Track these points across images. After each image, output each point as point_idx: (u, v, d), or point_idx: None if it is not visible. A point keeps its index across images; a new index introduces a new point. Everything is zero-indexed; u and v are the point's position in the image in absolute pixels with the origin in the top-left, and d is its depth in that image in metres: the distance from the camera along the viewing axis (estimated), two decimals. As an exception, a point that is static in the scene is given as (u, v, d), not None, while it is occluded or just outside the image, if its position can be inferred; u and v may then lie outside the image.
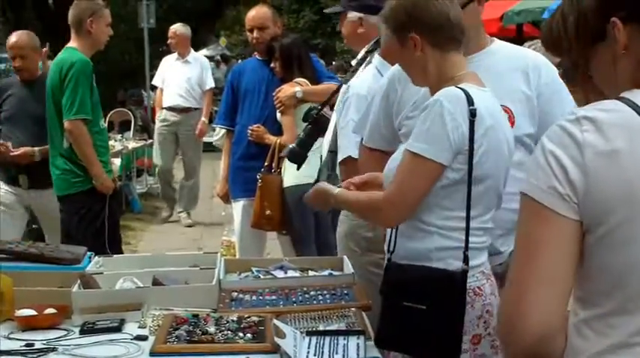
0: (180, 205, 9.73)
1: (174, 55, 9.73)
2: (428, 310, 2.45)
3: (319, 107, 4.23)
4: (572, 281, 1.54)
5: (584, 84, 1.68)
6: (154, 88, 10.69)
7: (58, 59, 5.16)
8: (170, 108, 9.59)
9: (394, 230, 2.62)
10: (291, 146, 4.19)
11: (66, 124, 4.95)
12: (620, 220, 1.50)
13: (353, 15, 4.09)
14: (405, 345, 2.54)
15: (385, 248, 2.68)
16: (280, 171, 5.10)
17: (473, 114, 2.46)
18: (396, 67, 2.95)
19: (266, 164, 5.14)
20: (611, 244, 1.51)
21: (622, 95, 1.56)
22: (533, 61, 2.95)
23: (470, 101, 2.47)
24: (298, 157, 4.15)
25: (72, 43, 5.18)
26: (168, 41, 9.82)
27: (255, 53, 5.54)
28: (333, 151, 3.98)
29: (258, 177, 5.12)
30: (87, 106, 4.96)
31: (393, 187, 2.57)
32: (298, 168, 4.24)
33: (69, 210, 5.08)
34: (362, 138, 3.25)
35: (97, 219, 5.02)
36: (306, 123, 4.22)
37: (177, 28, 9.77)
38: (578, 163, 1.50)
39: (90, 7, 5.13)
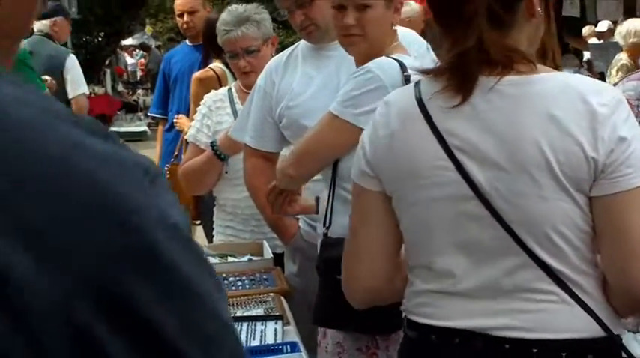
0: None
1: None
2: None
3: None
4: (394, 242, 1.83)
5: None
6: None
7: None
8: None
9: (330, 206, 2.58)
10: None
11: None
12: (394, 190, 1.77)
13: None
14: (341, 321, 2.46)
15: (321, 224, 2.62)
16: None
17: (407, 79, 2.41)
18: (271, 61, 2.97)
19: (175, 154, 5.01)
20: (398, 209, 1.78)
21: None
22: None
23: (403, 68, 2.44)
24: None
25: None
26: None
27: (187, 40, 5.46)
28: None
29: (165, 168, 5.00)
30: None
31: (301, 141, 2.57)
32: None
33: None
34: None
35: None
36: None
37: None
38: (372, 142, 1.79)
39: None
